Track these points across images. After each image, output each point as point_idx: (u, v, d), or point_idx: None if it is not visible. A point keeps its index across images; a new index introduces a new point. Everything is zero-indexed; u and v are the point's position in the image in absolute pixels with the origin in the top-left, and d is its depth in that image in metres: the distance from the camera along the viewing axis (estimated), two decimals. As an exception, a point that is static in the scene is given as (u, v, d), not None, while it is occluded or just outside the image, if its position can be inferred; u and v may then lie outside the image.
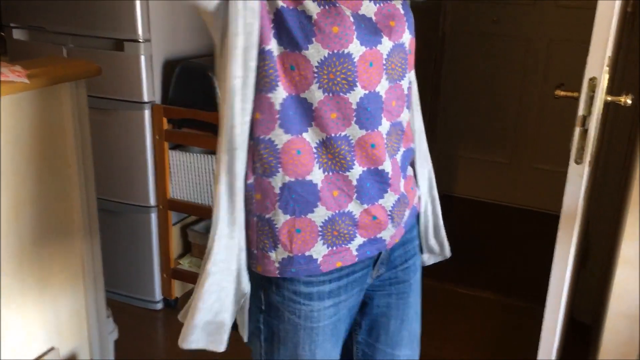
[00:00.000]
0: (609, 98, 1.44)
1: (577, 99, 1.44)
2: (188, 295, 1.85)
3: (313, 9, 0.95)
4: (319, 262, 1.05)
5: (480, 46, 3.60)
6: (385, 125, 1.04)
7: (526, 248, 3.25)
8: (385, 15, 1.02)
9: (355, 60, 0.97)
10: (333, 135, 1.01)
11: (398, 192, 1.10)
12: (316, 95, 0.98)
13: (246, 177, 1.02)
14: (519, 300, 2.75)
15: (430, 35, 3.60)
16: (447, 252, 1.32)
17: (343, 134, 1.01)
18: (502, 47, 3.55)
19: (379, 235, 1.09)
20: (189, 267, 2.57)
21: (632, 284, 1.62)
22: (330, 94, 0.98)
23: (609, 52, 1.38)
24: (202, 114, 2.29)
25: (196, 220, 2.67)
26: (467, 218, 3.64)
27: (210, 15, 0.96)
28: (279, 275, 1.05)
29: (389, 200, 1.08)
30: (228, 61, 0.96)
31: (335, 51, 0.96)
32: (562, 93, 1.49)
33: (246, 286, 1.08)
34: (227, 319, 1.07)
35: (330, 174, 1.03)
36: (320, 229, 1.04)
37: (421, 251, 1.29)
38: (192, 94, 2.32)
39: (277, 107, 0.99)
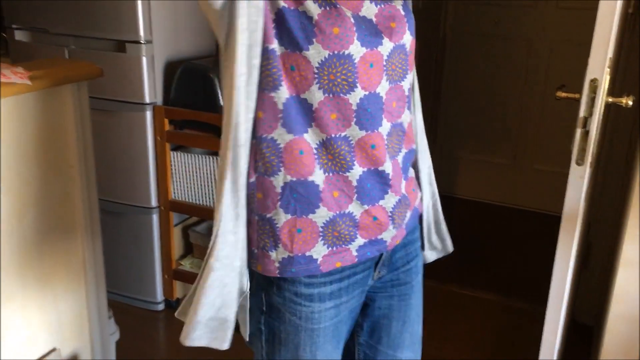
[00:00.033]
0: (610, 99, 1.44)
1: (578, 101, 1.44)
2: (189, 296, 1.85)
3: (314, 9, 0.95)
4: (319, 262, 1.05)
5: (481, 47, 3.60)
6: (385, 126, 1.04)
7: (527, 249, 3.25)
8: (386, 16, 1.02)
9: (355, 61, 0.97)
10: (333, 135, 1.01)
11: (399, 193, 1.10)
12: (316, 96, 0.98)
13: (248, 176, 1.03)
14: (520, 301, 2.75)
15: (431, 37, 3.60)
16: (450, 247, 1.32)
17: (343, 134, 1.01)
18: (503, 48, 3.55)
19: (379, 237, 1.09)
20: (190, 268, 2.57)
21: (634, 285, 1.62)
22: (331, 95, 0.98)
23: (610, 53, 1.38)
24: (204, 115, 2.29)
25: (197, 222, 2.67)
26: (468, 219, 3.63)
27: (216, 14, 0.96)
28: (278, 275, 1.05)
29: (389, 201, 1.08)
30: (233, 59, 0.96)
31: (336, 52, 0.96)
32: (563, 94, 1.49)
33: (246, 284, 1.08)
34: (231, 316, 1.07)
35: (331, 174, 1.03)
36: (321, 229, 1.04)
37: (423, 249, 1.29)
38: (193, 95, 2.32)
39: (280, 107, 0.99)
